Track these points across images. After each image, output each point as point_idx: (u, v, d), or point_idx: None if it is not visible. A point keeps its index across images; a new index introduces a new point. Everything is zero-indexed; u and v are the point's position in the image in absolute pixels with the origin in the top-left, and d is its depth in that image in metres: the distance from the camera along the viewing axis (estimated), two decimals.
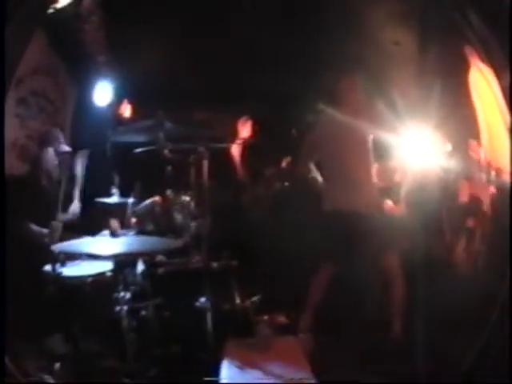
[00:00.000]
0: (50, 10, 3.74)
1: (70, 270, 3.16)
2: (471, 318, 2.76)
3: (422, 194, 3.57)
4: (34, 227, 3.51)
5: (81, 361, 3.04)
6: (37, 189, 3.69)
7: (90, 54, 3.87)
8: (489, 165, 3.60)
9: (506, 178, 2.87)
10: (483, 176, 3.64)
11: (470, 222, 3.73)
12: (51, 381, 2.90)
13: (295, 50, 3.61)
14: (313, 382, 2.56)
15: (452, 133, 3.64)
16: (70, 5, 3.87)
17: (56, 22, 3.82)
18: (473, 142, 3.70)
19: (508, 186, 2.64)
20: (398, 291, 3.42)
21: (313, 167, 3.59)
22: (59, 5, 3.82)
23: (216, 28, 3.63)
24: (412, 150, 3.51)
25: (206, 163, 3.05)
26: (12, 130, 3.87)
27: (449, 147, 3.66)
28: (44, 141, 3.79)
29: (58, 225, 3.42)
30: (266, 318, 3.22)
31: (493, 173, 3.53)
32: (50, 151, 3.73)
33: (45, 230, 3.45)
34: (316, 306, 3.46)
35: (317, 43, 3.59)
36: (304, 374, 2.64)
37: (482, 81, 3.13)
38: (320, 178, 3.61)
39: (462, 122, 3.65)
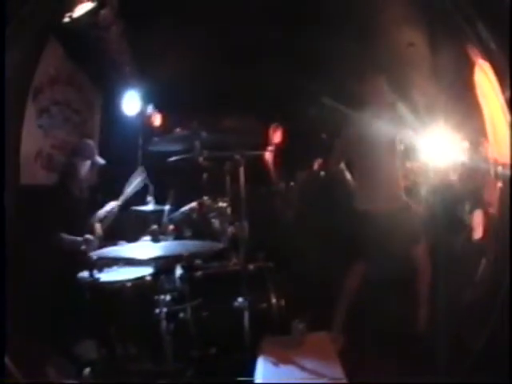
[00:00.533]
0: (66, 20, 3.79)
1: (108, 276, 3.23)
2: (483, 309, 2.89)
3: (444, 191, 3.72)
4: (67, 236, 3.54)
5: (115, 364, 3.11)
6: (68, 198, 3.73)
7: (115, 64, 3.92)
8: (495, 161, 3.74)
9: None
10: (492, 171, 3.78)
11: (486, 217, 3.87)
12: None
13: (316, 55, 3.72)
14: (343, 381, 2.64)
15: (467, 131, 3.78)
16: (86, 14, 3.89)
17: (73, 32, 3.84)
18: (483, 140, 3.84)
19: None
20: (427, 279, 3.59)
21: (344, 168, 3.76)
22: (75, 14, 3.84)
23: (242, 32, 3.69)
24: (432, 149, 3.66)
25: (241, 170, 3.15)
26: (35, 141, 3.92)
27: (466, 145, 3.81)
28: (78, 152, 3.83)
29: (91, 238, 3.51)
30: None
31: (499, 168, 3.67)
32: (87, 163, 3.79)
33: (79, 239, 3.51)
34: (348, 304, 3.62)
35: (336, 48, 3.70)
36: (334, 371, 2.73)
37: (485, 80, 3.26)
38: (351, 179, 3.78)
39: (473, 120, 3.78)
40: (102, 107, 4.29)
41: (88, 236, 3.54)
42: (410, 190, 3.83)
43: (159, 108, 4.05)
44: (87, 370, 3.03)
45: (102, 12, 4.07)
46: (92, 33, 4.03)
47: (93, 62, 4.07)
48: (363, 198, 3.72)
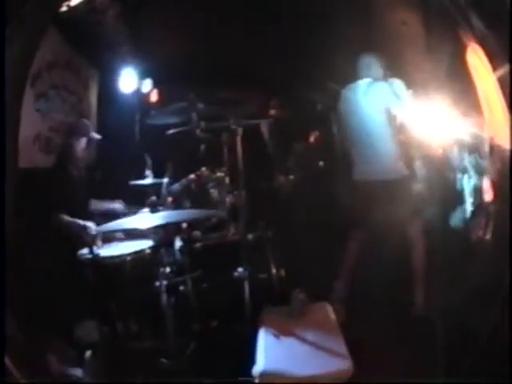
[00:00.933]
0: (64, 9, 3.83)
1: (108, 251, 3.22)
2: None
3: (440, 168, 3.75)
4: (66, 218, 3.53)
5: (117, 344, 3.10)
6: (67, 179, 3.73)
7: (111, 45, 3.96)
8: (492, 140, 3.76)
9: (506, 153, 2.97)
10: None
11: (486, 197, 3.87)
12: (78, 373, 2.96)
13: (311, 32, 3.75)
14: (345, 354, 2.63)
15: (463, 108, 3.80)
16: (83, 2, 3.94)
17: (70, 18, 3.88)
18: (479, 117, 3.86)
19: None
20: (421, 255, 3.60)
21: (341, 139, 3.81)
22: (72, 3, 3.89)
23: (239, 5, 3.72)
24: (429, 123, 3.69)
25: (238, 140, 3.17)
26: (34, 125, 3.93)
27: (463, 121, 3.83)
28: (74, 131, 3.85)
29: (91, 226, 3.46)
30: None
31: (496, 148, 3.68)
32: (83, 141, 3.81)
33: (78, 221, 3.49)
34: (348, 273, 3.63)
35: (331, 26, 3.74)
36: (336, 344, 2.73)
37: (477, 60, 3.28)
38: (349, 150, 3.82)
39: (468, 97, 3.80)
40: (99, 86, 4.32)
41: (88, 224, 3.49)
42: (409, 163, 3.84)
43: (156, 83, 4.08)
44: (89, 353, 2.99)
45: None
46: (89, 18, 4.08)
47: (90, 46, 4.10)
48: (362, 170, 3.75)
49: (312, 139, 4.19)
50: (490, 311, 2.44)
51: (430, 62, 3.91)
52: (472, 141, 3.92)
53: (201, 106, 3.30)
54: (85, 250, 3.20)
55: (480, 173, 3.87)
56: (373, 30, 3.89)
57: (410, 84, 3.72)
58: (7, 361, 2.30)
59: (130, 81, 4.01)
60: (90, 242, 3.21)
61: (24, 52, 3.58)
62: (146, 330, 3.16)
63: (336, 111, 3.89)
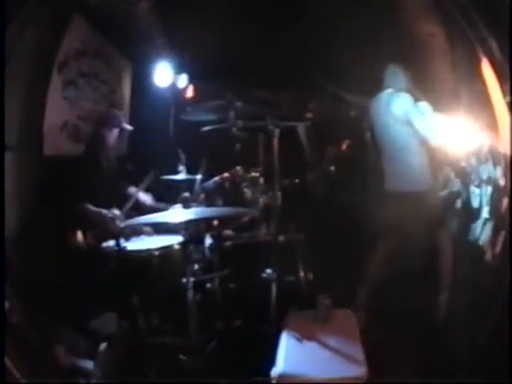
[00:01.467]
0: None
1: (135, 245, 3.21)
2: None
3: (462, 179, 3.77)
4: (92, 208, 3.51)
5: (135, 338, 3.05)
6: (96, 168, 3.72)
7: (145, 37, 3.93)
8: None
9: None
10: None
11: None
12: (90, 366, 2.91)
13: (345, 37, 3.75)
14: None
15: (483, 123, 3.81)
16: None
17: (99, 7, 3.85)
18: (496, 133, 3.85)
19: None
20: (448, 264, 3.62)
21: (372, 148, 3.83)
22: None
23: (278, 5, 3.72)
24: (454, 134, 3.70)
25: (275, 140, 3.17)
26: (61, 112, 3.91)
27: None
28: (104, 121, 3.83)
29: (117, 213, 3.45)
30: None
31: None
32: (115, 131, 3.79)
33: (104, 211, 3.48)
34: (372, 283, 3.65)
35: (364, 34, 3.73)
36: (355, 352, 2.72)
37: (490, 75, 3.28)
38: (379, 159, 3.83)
39: (487, 113, 3.78)
40: (133, 78, 4.29)
41: (115, 211, 3.49)
42: (435, 174, 3.86)
43: (191, 79, 4.05)
44: (103, 346, 2.96)
45: None
46: (120, 7, 4.05)
47: (121, 36, 4.07)
48: (392, 180, 3.77)
49: (345, 146, 4.19)
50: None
51: (453, 75, 3.89)
52: (489, 154, 3.91)
53: (239, 104, 3.28)
54: (111, 242, 3.18)
55: (496, 186, 3.87)
56: (401, 40, 3.87)
57: (432, 97, 3.72)
58: (7, 361, 2.27)
59: (165, 75, 4.00)
60: (117, 233, 3.16)
61: (48, 39, 3.55)
62: (168, 325, 3.14)
63: (367, 120, 3.92)
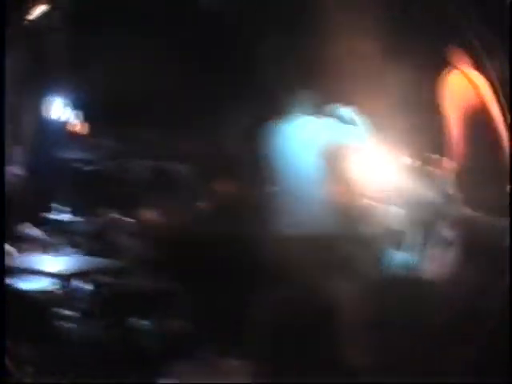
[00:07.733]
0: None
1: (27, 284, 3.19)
2: None
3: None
4: None
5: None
6: None
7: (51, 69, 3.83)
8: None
9: None
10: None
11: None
12: None
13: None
14: None
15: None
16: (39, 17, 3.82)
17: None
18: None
19: None
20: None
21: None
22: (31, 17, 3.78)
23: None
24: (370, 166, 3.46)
25: (152, 182, 3.08)
26: None
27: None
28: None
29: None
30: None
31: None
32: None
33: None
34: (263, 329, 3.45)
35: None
36: None
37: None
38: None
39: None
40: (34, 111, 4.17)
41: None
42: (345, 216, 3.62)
43: (82, 116, 3.93)
44: None
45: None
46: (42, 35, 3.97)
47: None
48: (286, 221, 3.39)
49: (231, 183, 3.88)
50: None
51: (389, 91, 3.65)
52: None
53: (115, 143, 3.20)
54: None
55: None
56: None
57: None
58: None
59: (58, 109, 3.90)
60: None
61: None
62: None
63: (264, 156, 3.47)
